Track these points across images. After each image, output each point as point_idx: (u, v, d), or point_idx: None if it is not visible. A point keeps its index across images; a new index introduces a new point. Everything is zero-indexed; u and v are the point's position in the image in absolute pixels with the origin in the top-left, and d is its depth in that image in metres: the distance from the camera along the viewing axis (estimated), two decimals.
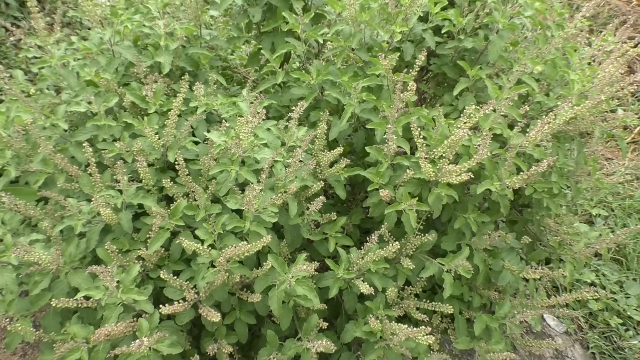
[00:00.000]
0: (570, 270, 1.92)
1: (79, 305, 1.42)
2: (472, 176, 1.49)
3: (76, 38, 1.88)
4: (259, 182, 1.49)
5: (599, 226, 3.11)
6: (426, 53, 1.69)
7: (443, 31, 1.86)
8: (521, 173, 1.53)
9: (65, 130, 1.71)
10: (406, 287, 1.80)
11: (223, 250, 1.39)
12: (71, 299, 1.41)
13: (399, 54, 1.75)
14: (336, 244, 1.73)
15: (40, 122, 1.69)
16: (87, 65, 1.84)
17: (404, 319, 1.82)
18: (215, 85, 1.94)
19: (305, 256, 1.66)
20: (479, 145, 1.54)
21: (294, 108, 1.62)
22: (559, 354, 2.62)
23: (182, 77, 1.88)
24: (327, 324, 1.64)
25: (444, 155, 1.55)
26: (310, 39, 1.87)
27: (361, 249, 1.70)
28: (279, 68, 1.91)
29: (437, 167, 1.57)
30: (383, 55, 1.66)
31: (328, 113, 1.76)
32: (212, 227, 1.47)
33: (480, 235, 1.78)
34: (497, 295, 1.92)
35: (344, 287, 1.68)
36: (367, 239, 1.62)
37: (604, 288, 2.83)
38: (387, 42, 1.82)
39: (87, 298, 1.44)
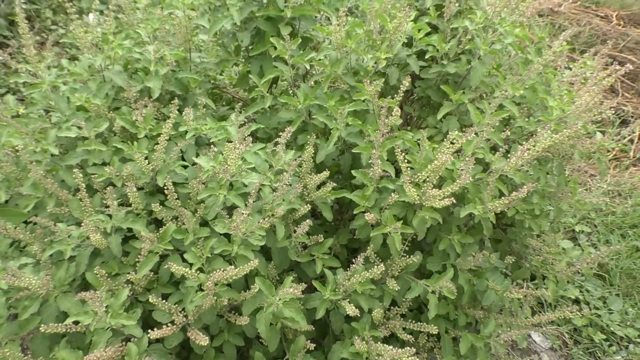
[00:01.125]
0: (553, 289, 1.96)
1: (68, 331, 1.44)
2: (454, 201, 1.54)
3: (66, 62, 1.91)
4: (246, 205, 1.52)
5: (582, 242, 3.17)
6: (410, 79, 1.74)
7: (427, 56, 1.92)
8: (503, 198, 1.57)
9: (56, 155, 1.73)
10: (392, 307, 1.83)
11: (211, 274, 1.42)
12: (60, 325, 1.42)
13: (384, 79, 1.80)
14: (323, 265, 1.76)
15: (31, 147, 1.71)
16: (78, 90, 1.86)
17: (391, 338, 1.85)
18: (205, 108, 1.98)
19: (293, 277, 1.70)
20: (461, 170, 1.58)
21: (281, 133, 1.66)
22: None
23: (172, 102, 1.92)
24: (315, 344, 1.66)
25: (427, 179, 1.59)
26: (298, 64, 1.92)
27: (348, 269, 1.73)
28: (267, 92, 1.95)
29: (422, 190, 1.61)
30: (368, 81, 1.70)
31: (315, 136, 1.81)
32: (201, 251, 1.50)
33: (464, 256, 1.82)
34: (482, 314, 1.96)
35: (330, 307, 1.71)
36: (354, 259, 1.66)
37: (587, 304, 2.88)
38: (373, 67, 1.87)
39: (76, 323, 1.45)
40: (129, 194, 1.57)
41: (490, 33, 1.82)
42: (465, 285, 1.84)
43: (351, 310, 1.53)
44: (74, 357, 1.49)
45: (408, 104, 2.24)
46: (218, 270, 1.42)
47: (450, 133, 1.65)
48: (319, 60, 1.92)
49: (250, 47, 2.14)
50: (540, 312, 2.83)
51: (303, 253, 1.76)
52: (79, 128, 1.72)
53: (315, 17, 2.06)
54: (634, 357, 2.65)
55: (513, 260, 1.97)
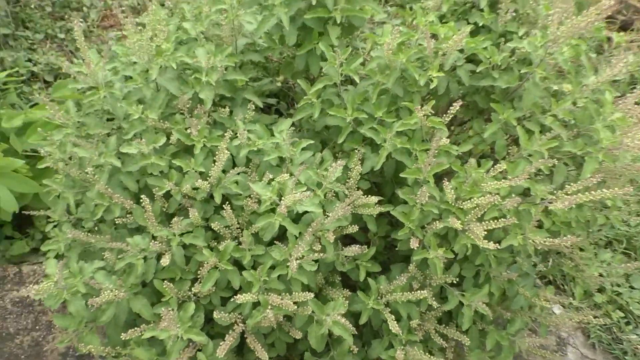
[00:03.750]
0: (580, 293, 2.09)
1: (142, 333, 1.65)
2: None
3: (120, 65, 1.94)
4: (300, 234, 1.64)
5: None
6: (460, 102, 1.75)
7: (479, 69, 1.89)
8: (547, 239, 1.63)
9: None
10: (427, 311, 1.98)
11: (269, 297, 1.58)
12: (136, 330, 1.63)
13: (433, 102, 1.80)
14: (366, 272, 1.89)
15: (95, 157, 1.81)
16: (132, 94, 1.92)
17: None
18: (253, 110, 2.01)
19: (341, 292, 1.85)
20: (506, 204, 1.64)
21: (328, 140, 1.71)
22: (562, 341, 2.86)
23: (221, 104, 1.97)
24: (356, 345, 1.85)
25: (471, 210, 1.67)
26: (347, 73, 1.91)
27: (388, 271, 1.87)
28: (316, 99, 1.96)
29: (465, 219, 1.69)
30: (419, 107, 1.72)
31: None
32: (259, 274, 1.64)
33: (498, 268, 1.93)
34: (510, 314, 2.10)
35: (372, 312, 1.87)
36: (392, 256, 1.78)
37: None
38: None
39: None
40: (190, 216, 1.69)
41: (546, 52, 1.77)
42: (497, 292, 1.97)
43: (395, 328, 1.69)
44: (149, 356, 1.71)
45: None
46: (275, 296, 1.57)
47: (498, 165, 1.69)
48: (369, 69, 1.91)
49: (297, 45, 2.12)
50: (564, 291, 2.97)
51: (347, 264, 1.89)
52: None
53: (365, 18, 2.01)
54: None
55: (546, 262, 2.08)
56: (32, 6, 3.77)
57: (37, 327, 2.29)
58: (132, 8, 4.07)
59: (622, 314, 2.88)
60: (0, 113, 2.51)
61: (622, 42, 2.31)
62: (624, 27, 4.41)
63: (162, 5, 2.24)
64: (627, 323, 2.87)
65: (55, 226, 2.04)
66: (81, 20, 3.85)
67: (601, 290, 2.99)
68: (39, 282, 2.44)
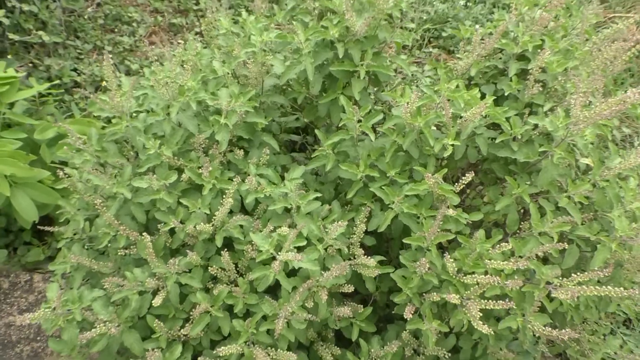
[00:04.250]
0: None
1: None
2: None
3: (146, 96, 2.00)
4: (295, 288, 1.63)
5: None
6: (473, 174, 1.72)
7: (498, 140, 1.85)
8: (548, 329, 1.57)
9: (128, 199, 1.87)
10: None
11: (254, 353, 1.57)
12: None
13: (445, 171, 1.78)
14: (360, 331, 1.87)
15: (107, 187, 1.86)
16: (152, 126, 1.97)
17: None
18: (268, 154, 2.03)
19: (331, 344, 1.83)
20: (508, 284, 1.59)
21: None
22: None
23: (238, 144, 2.00)
24: None
25: (472, 286, 1.62)
26: (364, 130, 1.91)
27: (385, 330, 1.84)
28: (331, 150, 1.97)
29: (465, 293, 1.65)
30: (430, 175, 1.70)
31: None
32: (247, 325, 1.64)
33: (497, 344, 1.87)
34: None
35: None
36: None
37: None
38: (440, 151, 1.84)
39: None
40: (189, 258, 1.72)
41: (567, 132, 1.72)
42: None
43: None
44: None
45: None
46: (260, 351, 1.56)
47: (504, 245, 1.64)
48: (387, 128, 1.91)
49: (322, 93, 2.14)
50: None
51: (341, 320, 1.86)
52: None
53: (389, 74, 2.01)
54: None
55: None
56: (86, 17, 3.94)
57: (38, 338, 2.36)
58: (180, 26, 4.21)
59: None
60: (35, 124, 2.62)
61: None
62: None
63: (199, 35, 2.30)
64: None
65: (67, 242, 2.11)
66: (128, 35, 4.00)
67: None
68: (45, 294, 2.52)
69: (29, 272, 2.60)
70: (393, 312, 1.92)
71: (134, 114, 2.02)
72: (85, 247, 2.08)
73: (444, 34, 4.35)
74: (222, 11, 2.35)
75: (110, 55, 3.78)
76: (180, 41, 2.26)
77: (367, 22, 1.84)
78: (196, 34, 4.12)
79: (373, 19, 1.91)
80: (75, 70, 3.62)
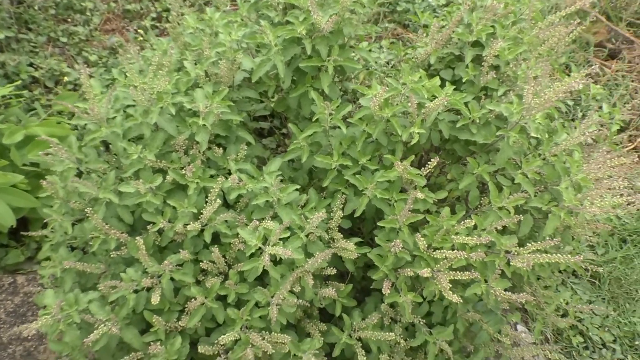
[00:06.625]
0: (538, 329, 2.26)
1: None
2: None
3: (121, 104, 2.05)
4: (283, 276, 1.78)
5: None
6: (438, 159, 1.89)
7: (458, 125, 2.02)
8: (508, 293, 1.79)
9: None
10: (396, 344, 2.14)
11: (251, 335, 1.72)
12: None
13: (413, 158, 1.94)
14: (342, 307, 2.05)
15: (93, 193, 1.93)
16: (132, 130, 2.03)
17: None
18: (246, 147, 2.14)
19: (317, 321, 2.00)
20: (472, 256, 1.79)
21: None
22: None
23: (215, 141, 2.09)
24: None
25: (441, 261, 1.82)
26: (336, 123, 2.04)
27: (364, 302, 2.03)
28: (305, 142, 2.09)
29: (436, 266, 1.84)
30: (399, 162, 1.86)
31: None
32: (242, 313, 1.79)
33: (464, 306, 2.09)
34: (473, 346, 2.27)
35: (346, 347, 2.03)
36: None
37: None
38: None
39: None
40: (181, 256, 1.83)
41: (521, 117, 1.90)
42: (462, 328, 2.13)
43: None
44: None
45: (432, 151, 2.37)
46: (256, 335, 1.72)
47: (467, 221, 1.84)
48: (357, 119, 2.04)
49: (290, 88, 2.23)
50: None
51: (325, 299, 2.04)
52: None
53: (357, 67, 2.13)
54: None
55: None
56: (36, 7, 3.82)
57: (29, 337, 2.43)
58: (135, 12, 4.14)
59: (582, 339, 3.06)
60: (2, 128, 2.60)
61: (598, 94, 2.45)
62: (612, 56, 4.54)
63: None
64: (586, 348, 3.06)
65: (52, 246, 2.17)
66: (82, 24, 3.91)
67: (564, 315, 3.18)
68: (32, 294, 2.58)
69: (10, 274, 2.63)
70: (371, 287, 2.10)
71: (111, 121, 2.06)
72: (67, 247, 2.14)
73: (398, 8, 4.46)
74: (184, 7, 2.39)
75: (67, 47, 3.72)
76: (136, 28, 2.29)
77: (333, 20, 1.94)
78: (152, 19, 4.07)
79: (337, 15, 2.01)
80: (31, 65, 3.54)
